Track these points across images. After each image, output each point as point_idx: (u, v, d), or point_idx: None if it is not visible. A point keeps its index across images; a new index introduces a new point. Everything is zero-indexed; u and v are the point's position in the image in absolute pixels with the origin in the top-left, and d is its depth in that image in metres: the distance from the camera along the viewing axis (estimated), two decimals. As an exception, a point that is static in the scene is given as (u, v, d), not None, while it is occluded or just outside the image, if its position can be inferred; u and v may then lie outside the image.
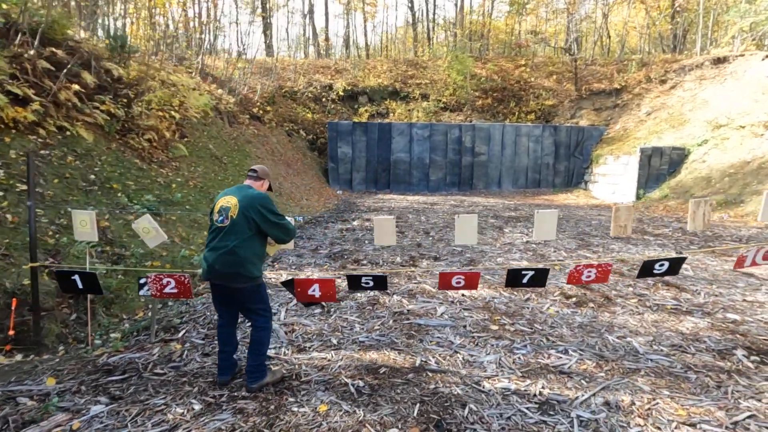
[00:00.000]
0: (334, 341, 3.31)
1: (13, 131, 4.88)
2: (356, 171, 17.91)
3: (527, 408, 2.41)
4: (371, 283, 3.00)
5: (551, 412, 2.37)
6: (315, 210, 11.75)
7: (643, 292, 4.52)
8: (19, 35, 5.68)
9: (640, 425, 2.26)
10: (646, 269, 3.07)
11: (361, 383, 2.65)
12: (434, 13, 27.04)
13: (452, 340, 3.32)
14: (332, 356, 3.05)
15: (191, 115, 10.44)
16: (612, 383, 2.67)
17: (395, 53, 29.57)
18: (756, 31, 16.32)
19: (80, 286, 2.94)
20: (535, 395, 2.53)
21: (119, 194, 5.40)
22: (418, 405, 2.40)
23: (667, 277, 4.72)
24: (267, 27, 24.65)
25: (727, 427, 2.25)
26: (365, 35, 29.95)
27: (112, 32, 8.35)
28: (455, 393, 2.55)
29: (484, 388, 2.61)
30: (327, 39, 27.30)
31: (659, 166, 13.80)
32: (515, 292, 4.48)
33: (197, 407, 2.40)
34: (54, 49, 6.16)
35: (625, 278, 5.03)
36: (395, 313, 3.87)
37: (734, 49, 16.52)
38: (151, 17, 13.23)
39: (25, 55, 5.59)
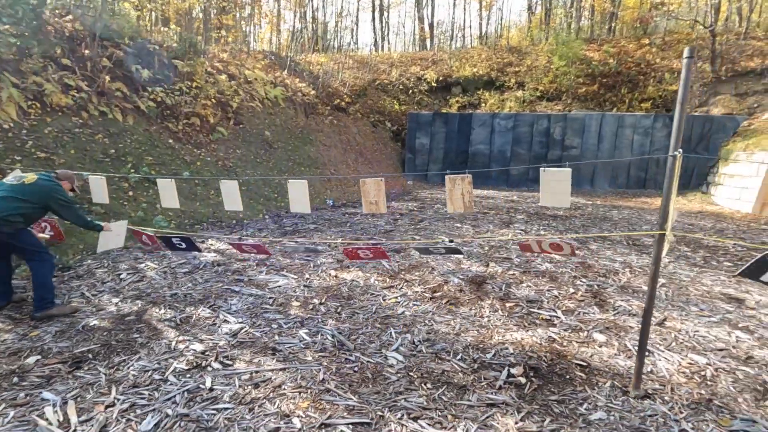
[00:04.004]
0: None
1: (60, 113, 6.36)
2: (433, 162, 17.68)
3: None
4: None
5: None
6: (359, 197, 12.11)
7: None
8: (87, 39, 7.29)
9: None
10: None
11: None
12: (551, -6, 24.42)
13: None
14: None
15: (255, 105, 11.76)
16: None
17: (508, 41, 27.78)
18: None
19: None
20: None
21: (128, 165, 6.59)
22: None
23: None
24: (381, 24, 25.70)
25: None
26: (480, 24, 28.68)
27: (184, 37, 9.93)
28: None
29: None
30: (431, 28, 27.13)
31: (805, 167, 10.39)
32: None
33: None
34: (115, 49, 7.71)
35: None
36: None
37: None
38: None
39: (86, 53, 7.15)
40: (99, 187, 3.66)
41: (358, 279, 4.29)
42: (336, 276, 4.38)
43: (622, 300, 3.93)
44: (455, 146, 17.34)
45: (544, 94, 18.53)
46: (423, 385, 2.39)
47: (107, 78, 7.35)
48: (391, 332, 3.08)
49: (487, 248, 5.78)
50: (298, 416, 2.08)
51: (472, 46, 25.10)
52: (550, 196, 2.42)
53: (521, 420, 2.10)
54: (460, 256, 5.21)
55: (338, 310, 3.46)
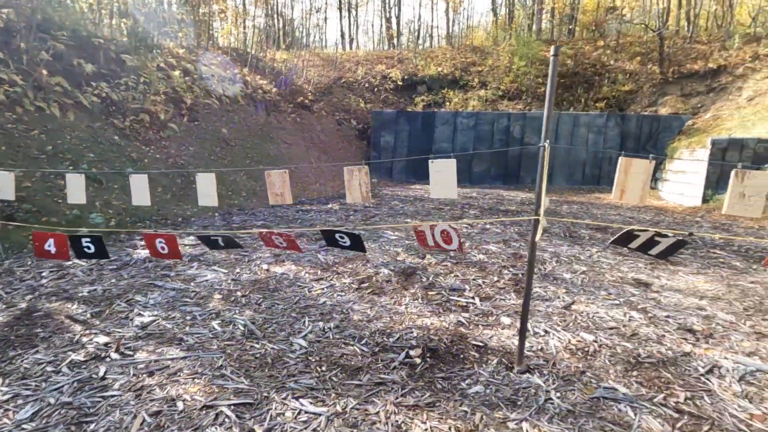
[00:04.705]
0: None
1: (-10, 108, 6.12)
2: (397, 161, 17.83)
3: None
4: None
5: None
6: (320, 194, 12.11)
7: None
8: (23, 31, 7.03)
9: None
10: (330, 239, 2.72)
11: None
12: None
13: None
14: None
15: (212, 102, 11.60)
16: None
17: (474, 41, 28.26)
18: None
19: None
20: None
21: (66, 162, 6.41)
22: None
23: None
24: (350, 22, 25.64)
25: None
26: (447, 24, 29.12)
27: (134, 31, 9.69)
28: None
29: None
30: (398, 27, 27.32)
31: (737, 162, 11.07)
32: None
33: None
34: (55, 42, 7.47)
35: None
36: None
37: None
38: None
39: (22, 46, 6.90)
40: (6, 183, 3.56)
41: (289, 272, 4.35)
42: (268, 270, 4.42)
43: (540, 287, 4.14)
44: (419, 144, 17.55)
45: (506, 93, 18.98)
46: (318, 368, 2.48)
47: (45, 72, 7.12)
48: (305, 321, 3.16)
49: (427, 241, 5.92)
50: (183, 400, 2.13)
51: (438, 46, 25.44)
52: (439, 188, 2.54)
53: (402, 396, 2.22)
54: (398, 249, 5.34)
55: (259, 302, 3.51)
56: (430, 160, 2.55)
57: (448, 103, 19.89)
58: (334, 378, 2.38)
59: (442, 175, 2.53)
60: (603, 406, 2.19)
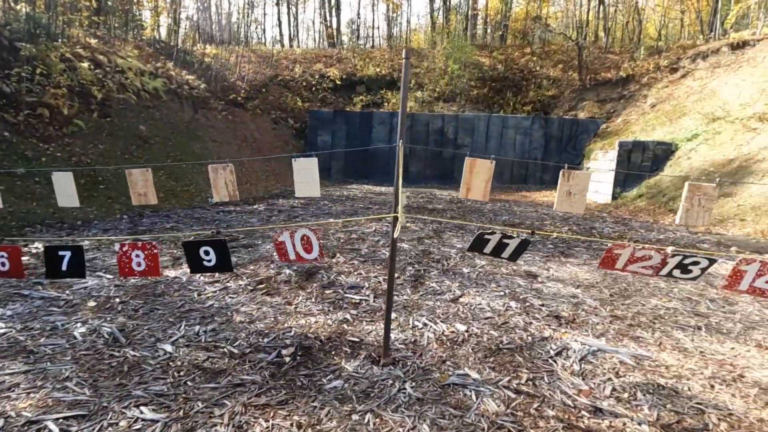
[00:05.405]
0: None
1: None
2: (334, 160, 17.75)
3: None
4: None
5: None
6: (250, 193, 11.76)
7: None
8: None
9: None
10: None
11: None
12: (448, 1, 25.77)
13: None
14: None
15: (129, 96, 10.88)
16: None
17: (407, 43, 28.79)
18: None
19: None
20: None
21: (-63, 160, 5.73)
22: None
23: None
24: (289, 19, 25.07)
25: None
26: (388, 25, 29.41)
27: (31, 16, 8.85)
28: None
29: None
30: (338, 26, 27.23)
31: (641, 162, 12.19)
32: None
33: None
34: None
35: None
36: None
37: (757, 32, 14.07)
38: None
39: None
40: None
41: (183, 276, 4.18)
42: (161, 273, 4.21)
43: (436, 282, 4.29)
44: (357, 144, 17.60)
45: (441, 95, 19.50)
46: (176, 373, 2.40)
47: None
48: (181, 325, 3.04)
49: (342, 240, 5.95)
50: (6, 417, 1.97)
51: (377, 47, 25.64)
52: (304, 186, 2.55)
53: (256, 396, 2.20)
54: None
55: (137, 308, 3.34)
56: (292, 159, 2.54)
57: (386, 104, 20.09)
58: (189, 382, 2.31)
59: (305, 173, 2.54)
60: (451, 392, 2.30)
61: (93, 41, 11.54)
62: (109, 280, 3.95)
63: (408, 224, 7.30)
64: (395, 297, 3.83)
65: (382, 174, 17.19)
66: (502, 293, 3.97)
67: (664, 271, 2.21)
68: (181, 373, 2.40)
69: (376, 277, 4.40)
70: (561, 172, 2.29)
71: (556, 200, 2.32)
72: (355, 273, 4.50)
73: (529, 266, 4.94)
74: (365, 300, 3.73)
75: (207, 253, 2.48)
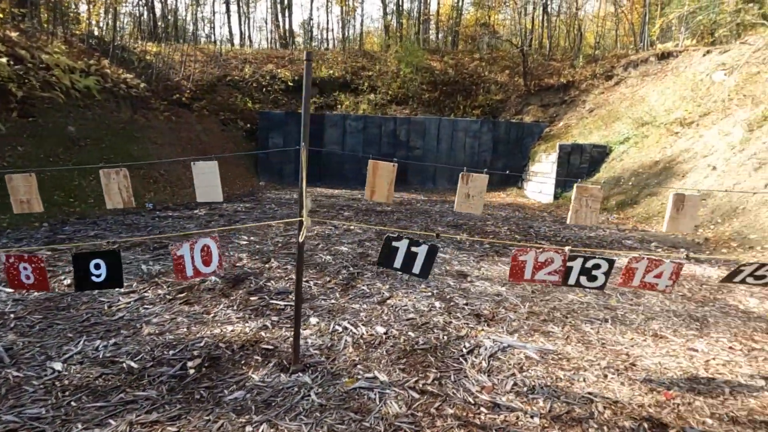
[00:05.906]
0: None
1: None
2: (287, 163, 17.42)
3: None
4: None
5: None
6: (191, 198, 11.29)
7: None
8: None
9: None
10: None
11: None
12: (401, 5, 26.07)
13: None
14: None
15: (56, 95, 10.14)
16: None
17: (361, 46, 28.87)
18: (689, 23, 15.05)
19: None
20: None
21: None
22: None
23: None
24: (240, 18, 24.38)
25: None
26: (342, 27, 29.28)
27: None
28: None
29: None
30: (290, 27, 26.85)
31: (579, 164, 12.86)
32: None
33: None
34: None
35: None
36: None
37: (679, 44, 15.28)
38: None
39: None
40: None
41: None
42: (70, 285, 3.93)
43: (368, 285, 4.27)
44: (309, 146, 17.36)
45: (394, 98, 19.67)
46: (59, 393, 2.22)
47: None
48: (80, 341, 2.84)
49: (280, 244, 5.82)
50: None
51: (331, 49, 25.50)
52: (204, 190, 2.45)
53: (146, 413, 2.08)
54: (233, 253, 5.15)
55: (34, 324, 3.08)
56: (192, 162, 2.44)
57: (339, 106, 19.99)
58: (73, 403, 2.14)
59: (206, 177, 2.44)
60: (356, 396, 2.28)
61: (14, 34, 10.67)
62: (8, 295, 3.63)
63: (351, 227, 7.27)
64: (322, 302, 3.78)
65: (335, 177, 17.08)
66: (429, 294, 4.02)
67: (572, 280, 2.30)
68: (66, 393, 2.22)
69: (307, 282, 4.33)
70: (460, 175, 2.34)
71: (456, 202, 2.36)
72: (287, 278, 4.40)
73: (462, 266, 5.04)
74: (290, 305, 3.65)
75: (98, 266, 2.32)
